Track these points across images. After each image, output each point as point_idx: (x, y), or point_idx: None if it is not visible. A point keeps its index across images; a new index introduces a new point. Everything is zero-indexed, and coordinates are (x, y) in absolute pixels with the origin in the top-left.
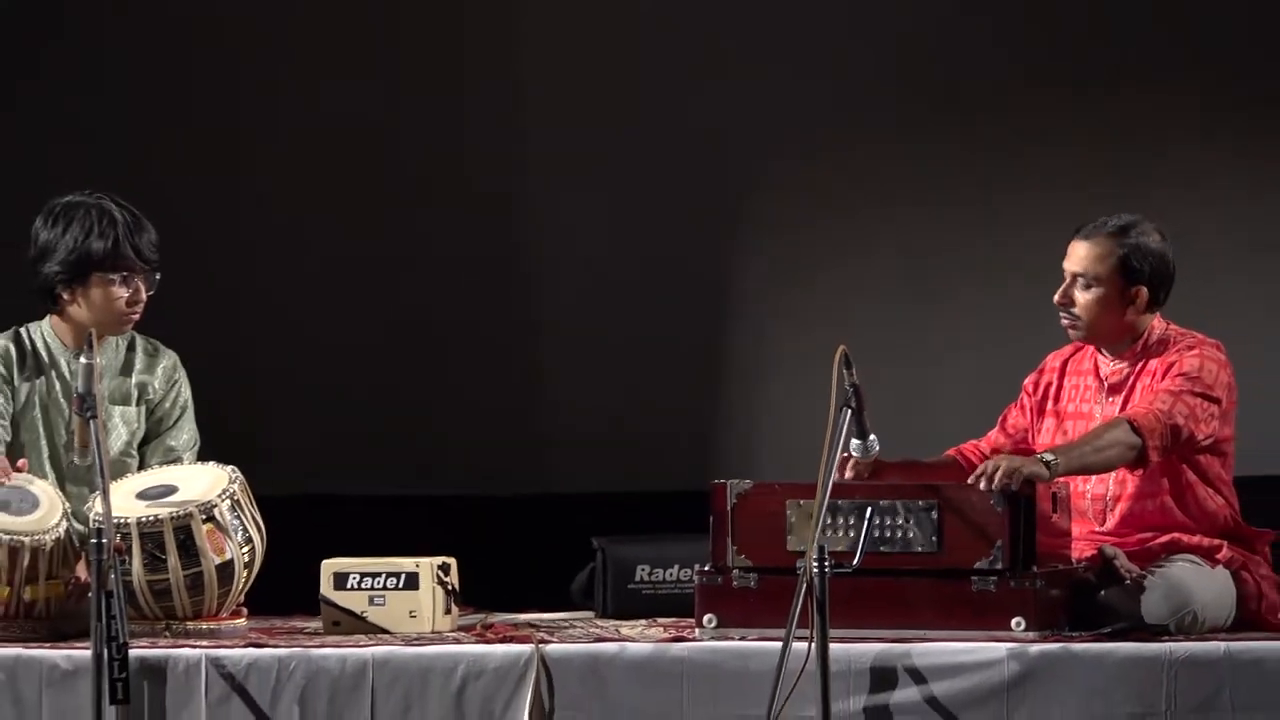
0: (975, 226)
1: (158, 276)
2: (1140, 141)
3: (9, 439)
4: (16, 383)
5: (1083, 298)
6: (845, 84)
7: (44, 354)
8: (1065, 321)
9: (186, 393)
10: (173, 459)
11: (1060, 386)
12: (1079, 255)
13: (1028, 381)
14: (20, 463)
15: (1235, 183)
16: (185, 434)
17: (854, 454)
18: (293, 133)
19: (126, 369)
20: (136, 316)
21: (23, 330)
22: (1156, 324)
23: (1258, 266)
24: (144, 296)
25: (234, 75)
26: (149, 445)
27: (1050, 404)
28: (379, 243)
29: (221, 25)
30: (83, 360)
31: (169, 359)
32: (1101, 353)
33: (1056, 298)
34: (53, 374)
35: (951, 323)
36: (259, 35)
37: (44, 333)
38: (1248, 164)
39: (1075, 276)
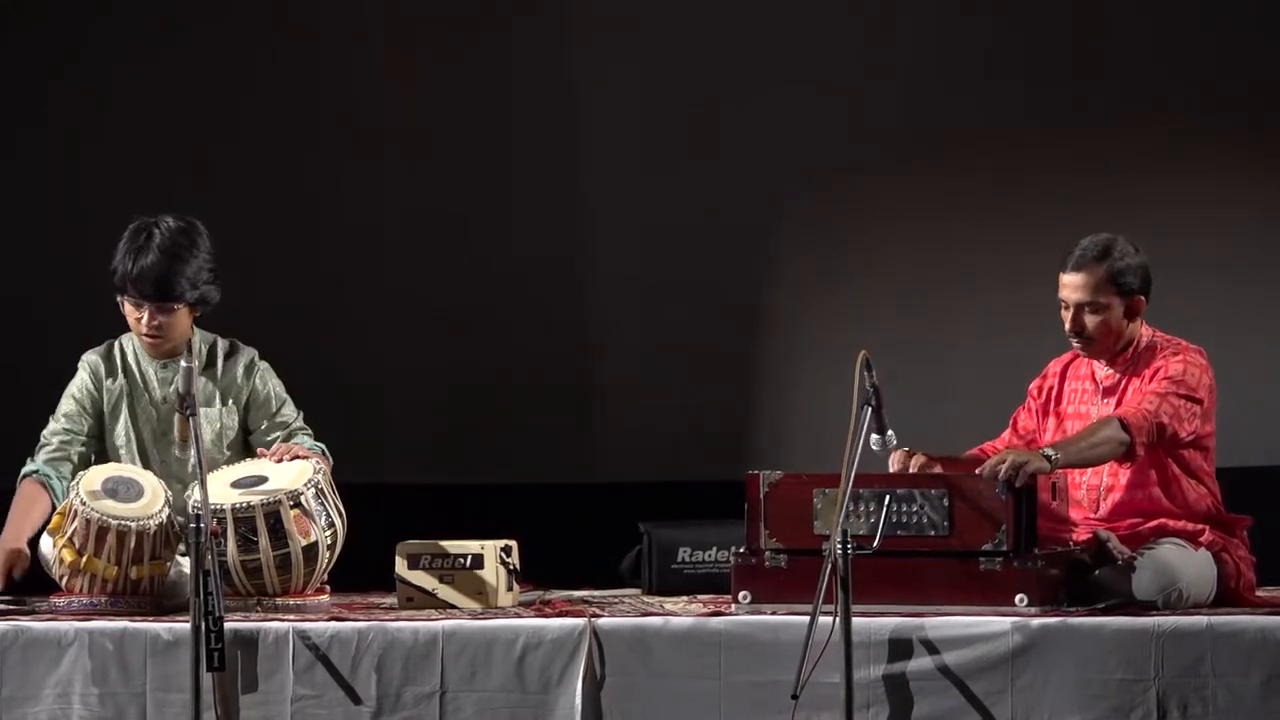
0: (980, 244)
1: (181, 303)
2: (1128, 166)
3: (84, 450)
4: (107, 388)
5: (1093, 321)
6: (864, 116)
7: (131, 361)
8: (1077, 345)
9: (271, 378)
10: (290, 432)
11: (1061, 390)
12: (1077, 286)
13: (1032, 387)
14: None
15: (1221, 201)
16: (288, 408)
17: (874, 448)
18: (368, 137)
19: (210, 374)
20: (155, 340)
21: (116, 342)
22: (1145, 332)
23: (1242, 278)
24: (160, 322)
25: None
26: (263, 428)
27: (1052, 405)
28: (452, 258)
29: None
30: (183, 364)
31: (246, 355)
32: (1098, 360)
33: (1068, 328)
34: (137, 377)
35: (960, 328)
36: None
37: (133, 342)
38: (1232, 186)
39: (1081, 306)
